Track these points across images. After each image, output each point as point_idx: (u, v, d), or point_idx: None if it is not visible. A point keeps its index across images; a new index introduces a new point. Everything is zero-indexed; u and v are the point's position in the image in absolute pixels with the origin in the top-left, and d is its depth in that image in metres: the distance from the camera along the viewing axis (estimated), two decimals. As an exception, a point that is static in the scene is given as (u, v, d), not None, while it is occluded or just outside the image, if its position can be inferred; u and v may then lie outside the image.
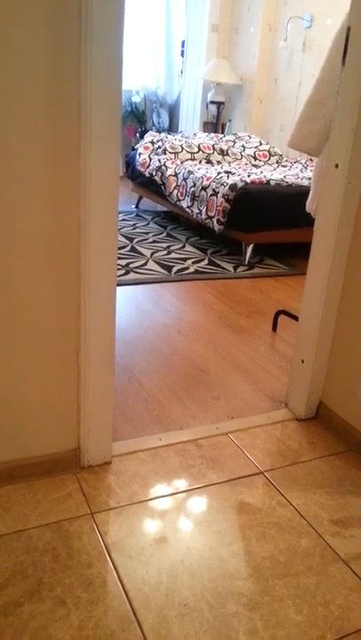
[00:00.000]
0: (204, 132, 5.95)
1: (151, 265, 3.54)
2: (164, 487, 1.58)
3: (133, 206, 5.15)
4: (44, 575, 1.27)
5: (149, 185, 4.64)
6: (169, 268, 3.50)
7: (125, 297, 3.03)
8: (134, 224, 4.55)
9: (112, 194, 1.37)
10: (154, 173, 4.52)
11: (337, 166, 1.70)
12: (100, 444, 1.63)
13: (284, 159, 4.91)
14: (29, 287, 1.38)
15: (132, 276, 3.32)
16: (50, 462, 1.58)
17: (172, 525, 1.45)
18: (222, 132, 5.94)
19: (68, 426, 1.57)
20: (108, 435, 1.64)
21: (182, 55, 6.16)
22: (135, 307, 2.91)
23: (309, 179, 4.00)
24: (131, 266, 3.49)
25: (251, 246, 3.72)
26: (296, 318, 2.31)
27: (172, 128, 6.56)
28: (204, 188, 3.89)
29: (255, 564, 1.34)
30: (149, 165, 4.62)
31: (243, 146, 4.89)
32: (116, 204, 1.39)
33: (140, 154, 4.82)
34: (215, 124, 5.98)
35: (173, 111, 6.59)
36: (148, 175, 4.60)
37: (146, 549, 1.37)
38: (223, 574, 1.31)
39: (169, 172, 4.35)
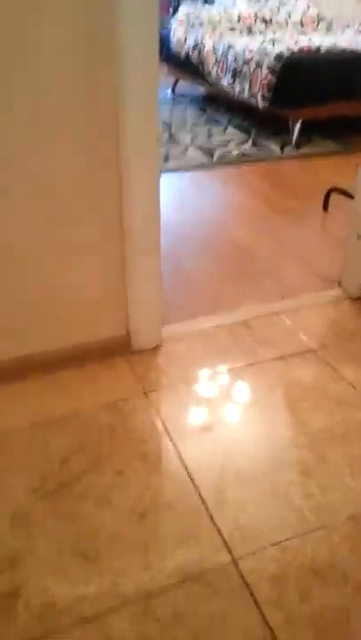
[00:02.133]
0: None
1: (191, 152, 3.35)
2: (215, 365, 1.57)
3: (169, 91, 4.82)
4: (102, 450, 1.30)
5: (186, 66, 4.29)
6: (211, 154, 3.31)
7: (167, 186, 2.90)
8: (171, 109, 4.27)
9: (151, 73, 1.23)
10: (190, 52, 4.16)
11: None
12: (150, 328, 1.62)
13: (335, 24, 4.40)
14: (70, 175, 1.31)
15: (172, 163, 3.16)
16: (101, 348, 1.58)
17: (225, 402, 1.45)
18: (264, -1, 5.34)
19: (116, 311, 1.56)
20: (157, 319, 1.62)
21: None
22: (177, 196, 2.79)
23: (364, 42, 3.58)
24: (170, 153, 3.31)
25: (299, 123, 3.43)
26: (350, 196, 2.15)
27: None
28: (246, 62, 3.56)
29: (310, 435, 1.34)
30: (185, 44, 4.25)
31: (288, 12, 4.39)
32: (155, 82, 1.26)
33: (174, 31, 4.43)
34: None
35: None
36: (184, 54, 4.25)
37: (201, 425, 1.38)
38: (278, 446, 1.32)
39: (207, 47, 3.99)
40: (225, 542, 1.09)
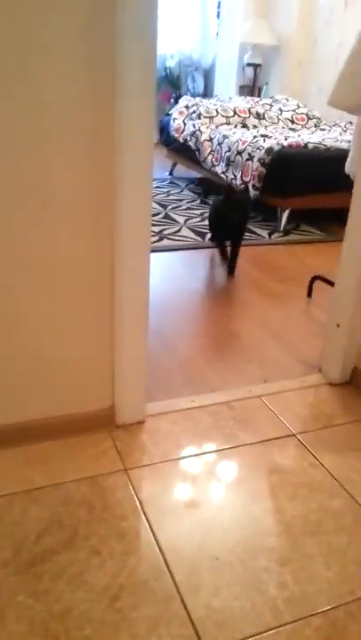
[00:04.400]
0: (241, 95, 5.80)
1: (185, 232, 3.52)
2: (196, 446, 1.60)
3: (167, 173, 5.10)
4: (79, 526, 1.31)
5: (183, 151, 4.58)
6: (202, 235, 3.47)
7: (159, 263, 3.03)
8: (168, 191, 4.51)
9: (146, 152, 1.36)
10: (188, 139, 4.45)
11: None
12: (134, 403, 1.66)
13: (323, 122, 4.75)
14: (66, 245, 1.39)
15: (165, 242, 3.31)
16: (85, 420, 1.61)
17: (204, 483, 1.47)
18: (259, 96, 5.78)
19: (102, 385, 1.60)
20: (142, 394, 1.66)
21: (218, 17, 5.97)
22: (168, 273, 2.91)
23: (349, 141, 3.86)
24: (164, 232, 3.47)
25: (287, 212, 3.64)
26: (332, 284, 2.27)
27: (208, 93, 6.41)
28: (239, 153, 3.81)
29: (286, 522, 1.36)
30: (184, 131, 4.55)
31: (280, 109, 4.75)
32: (151, 164, 1.38)
33: (174, 119, 4.74)
34: (252, 88, 5.82)
35: (208, 75, 6.43)
36: (182, 141, 4.54)
37: (178, 505, 1.39)
38: (254, 531, 1.33)
39: (203, 136, 4.27)
40: (196, 631, 1.08)
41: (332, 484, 1.49)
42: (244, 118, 4.54)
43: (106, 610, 1.11)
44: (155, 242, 3.28)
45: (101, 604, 1.12)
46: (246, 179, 3.72)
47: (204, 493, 1.43)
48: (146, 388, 1.67)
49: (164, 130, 4.93)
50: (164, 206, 4.04)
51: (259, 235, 3.55)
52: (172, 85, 6.28)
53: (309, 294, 2.67)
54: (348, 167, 2.05)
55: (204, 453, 1.58)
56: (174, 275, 2.89)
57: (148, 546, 1.27)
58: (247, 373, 2.00)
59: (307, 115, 4.74)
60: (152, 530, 1.31)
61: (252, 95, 5.81)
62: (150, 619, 1.10)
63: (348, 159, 2.04)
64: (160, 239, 3.35)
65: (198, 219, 3.79)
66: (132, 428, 1.65)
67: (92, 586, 1.16)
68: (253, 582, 1.20)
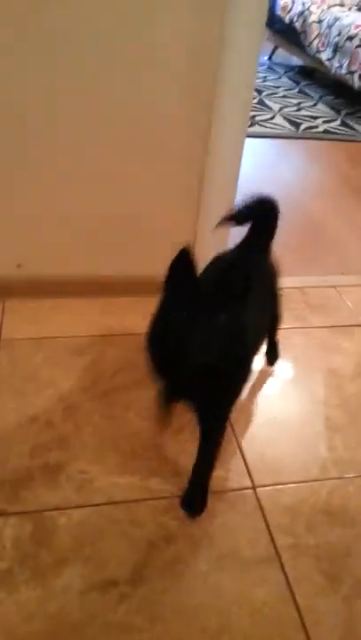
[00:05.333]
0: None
1: (278, 120, 3.36)
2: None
3: (266, 58, 4.77)
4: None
5: (288, 33, 4.23)
6: (297, 125, 3.30)
7: (249, 149, 2.92)
8: (265, 76, 4.25)
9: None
10: (295, 19, 4.10)
11: None
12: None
13: None
14: (163, 104, 1.38)
15: (257, 128, 3.18)
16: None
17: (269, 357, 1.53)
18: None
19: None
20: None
21: None
22: (259, 160, 2.83)
23: None
24: (257, 118, 3.33)
25: (391, 109, 3.37)
26: None
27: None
28: (350, 38, 3.49)
29: (345, 397, 1.41)
30: (291, 9, 4.18)
31: None
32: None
33: (282, -5, 4.35)
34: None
35: None
36: (287, 21, 4.19)
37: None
38: (314, 401, 1.40)
39: (312, 17, 3.92)
40: (248, 470, 1.19)
41: (395, 372, 1.51)
42: (361, 0, 4.10)
43: (170, 439, 1.23)
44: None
45: (166, 434, 1.24)
46: (354, 67, 3.44)
47: (268, 366, 1.49)
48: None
49: (269, 7, 4.53)
50: (260, 92, 3.83)
51: (357, 130, 3.33)
52: None
53: None
54: None
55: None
56: (264, 162, 2.81)
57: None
58: (326, 264, 1.98)
59: None
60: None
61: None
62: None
63: None
64: (252, 124, 3.22)
65: (294, 108, 3.59)
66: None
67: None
68: (308, 442, 1.28)
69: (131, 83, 1.34)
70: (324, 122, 3.41)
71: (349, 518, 1.12)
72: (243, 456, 1.22)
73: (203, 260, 1.15)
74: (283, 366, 1.49)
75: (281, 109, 3.54)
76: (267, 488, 1.16)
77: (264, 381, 1.43)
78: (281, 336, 1.49)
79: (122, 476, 1.14)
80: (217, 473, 1.13)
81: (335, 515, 1.12)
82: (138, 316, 1.60)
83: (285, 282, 1.83)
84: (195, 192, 1.54)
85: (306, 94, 3.93)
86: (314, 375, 1.47)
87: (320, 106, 3.71)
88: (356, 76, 3.41)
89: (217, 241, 1.61)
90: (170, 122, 1.41)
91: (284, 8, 4.28)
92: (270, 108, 3.52)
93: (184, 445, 1.20)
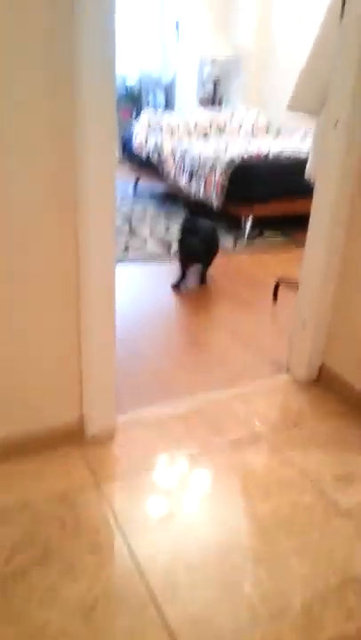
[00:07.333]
0: (201, 107, 5.88)
1: (150, 244, 3.54)
2: (168, 454, 1.60)
3: (131, 188, 5.13)
4: (51, 543, 1.29)
5: (147, 166, 4.61)
6: (168, 246, 3.50)
7: (124, 275, 3.03)
8: (132, 206, 4.53)
9: (108, 172, 1.36)
10: (151, 154, 4.49)
11: (336, 124, 1.67)
12: (104, 414, 1.65)
13: (282, 130, 4.85)
14: (33, 261, 1.40)
15: (130, 254, 3.32)
16: (54, 435, 1.60)
17: (177, 489, 1.47)
18: (219, 107, 5.87)
19: (70, 398, 1.59)
20: (112, 405, 1.65)
21: (176, 28, 6.06)
22: (134, 284, 2.92)
23: (306, 152, 3.95)
24: (129, 245, 3.49)
25: (250, 220, 3.70)
26: (296, 286, 2.31)
27: (169, 107, 6.49)
28: (201, 165, 3.86)
29: (259, 521, 1.36)
30: (146, 146, 4.59)
31: (240, 120, 4.84)
32: (113, 183, 1.38)
33: (136, 134, 4.79)
34: (212, 100, 5.91)
35: (169, 91, 6.51)
36: (145, 155, 4.58)
37: (151, 514, 1.39)
38: (228, 531, 1.33)
39: (166, 150, 4.32)
40: (173, 638, 1.08)
41: (302, 480, 1.50)
42: (206, 131, 4.61)
43: (81, 624, 1.10)
44: (120, 254, 3.29)
45: (77, 619, 1.11)
46: (209, 190, 3.77)
47: (178, 502, 1.43)
48: (114, 398, 1.66)
49: (126, 146, 4.96)
50: (129, 220, 4.06)
51: (224, 243, 3.59)
52: (132, 102, 6.33)
53: (275, 298, 2.71)
54: (308, 172, 2.10)
55: (177, 462, 1.58)
56: (139, 286, 2.90)
57: (123, 557, 1.26)
58: (216, 377, 2.01)
59: (267, 124, 4.84)
60: (126, 541, 1.30)
61: (212, 107, 5.90)
62: (127, 629, 1.09)
63: (308, 164, 2.09)
64: (125, 250, 3.36)
65: (163, 231, 3.82)
66: (102, 440, 1.64)
67: (66, 600, 1.14)
68: (229, 581, 1.20)
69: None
70: (194, 239, 3.64)
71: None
72: (165, 621, 1.11)
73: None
74: (192, 500, 1.43)
75: (151, 233, 3.74)
76: (195, 653, 1.05)
77: (175, 522, 1.36)
78: (185, 465, 1.44)
79: None
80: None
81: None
82: (32, 479, 1.47)
83: (182, 404, 1.80)
84: (72, 334, 1.53)
85: (172, 216, 4.22)
86: (225, 502, 1.42)
87: (187, 225, 3.98)
88: (213, 197, 3.73)
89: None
90: (36, 274, 1.42)
91: (139, 145, 4.68)
92: (141, 234, 3.72)
93: None
